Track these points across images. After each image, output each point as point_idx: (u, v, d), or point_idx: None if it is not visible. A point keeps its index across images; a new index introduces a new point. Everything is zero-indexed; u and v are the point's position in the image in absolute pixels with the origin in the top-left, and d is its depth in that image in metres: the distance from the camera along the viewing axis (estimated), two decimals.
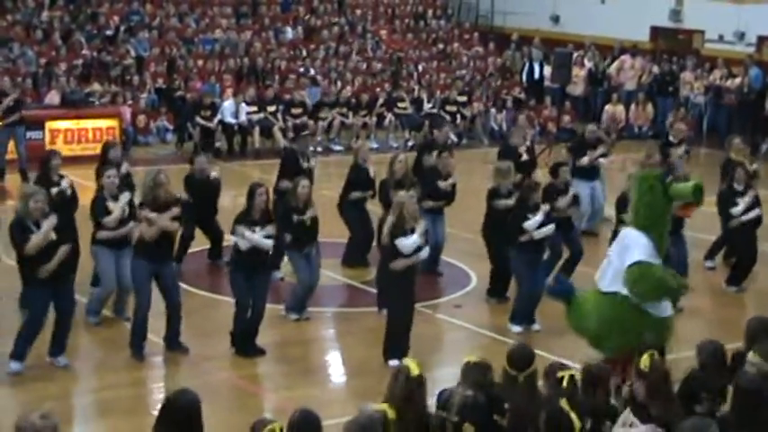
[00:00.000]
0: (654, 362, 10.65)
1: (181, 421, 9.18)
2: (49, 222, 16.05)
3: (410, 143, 29.56)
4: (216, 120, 32.28)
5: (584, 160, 24.10)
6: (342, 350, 18.90)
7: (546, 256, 20.01)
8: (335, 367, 18.12)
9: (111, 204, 18.00)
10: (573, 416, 10.02)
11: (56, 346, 16.66)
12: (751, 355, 11.37)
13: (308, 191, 18.95)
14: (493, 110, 37.17)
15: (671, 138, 25.91)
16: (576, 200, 21.23)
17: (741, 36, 38.19)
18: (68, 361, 16.70)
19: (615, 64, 39.26)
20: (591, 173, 24.38)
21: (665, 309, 14.64)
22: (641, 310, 14.37)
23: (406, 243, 16.86)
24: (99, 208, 18.03)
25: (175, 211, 17.15)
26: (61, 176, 19.11)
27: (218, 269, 21.37)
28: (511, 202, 19.57)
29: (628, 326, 14.21)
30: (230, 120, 33.01)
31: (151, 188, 17.30)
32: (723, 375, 11.39)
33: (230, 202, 22.92)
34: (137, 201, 18.12)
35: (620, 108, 36.72)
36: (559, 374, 10.63)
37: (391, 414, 10.04)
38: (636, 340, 12.94)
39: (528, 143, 24.90)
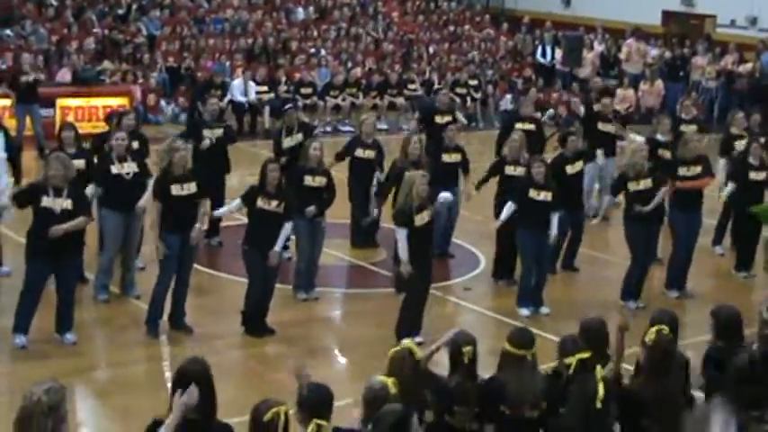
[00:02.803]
0: (659, 336, 10.78)
1: (191, 383, 9.26)
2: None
3: (414, 124, 29.42)
4: (226, 99, 32.35)
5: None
6: (350, 330, 18.82)
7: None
8: (344, 347, 18.07)
9: (114, 168, 18.21)
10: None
11: (62, 323, 16.67)
12: None
13: (320, 153, 19.17)
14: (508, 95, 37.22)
15: (682, 115, 25.77)
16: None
17: (753, 21, 38.23)
18: (76, 338, 16.69)
19: (624, 49, 39.21)
20: (604, 149, 24.25)
21: None
22: None
23: (402, 237, 17.07)
24: (103, 170, 18.31)
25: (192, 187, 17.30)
26: (80, 151, 18.91)
27: (212, 248, 21.52)
28: (520, 170, 19.78)
29: None
30: (240, 98, 33.16)
31: (167, 152, 17.49)
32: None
33: (239, 181, 22.75)
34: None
35: (631, 91, 36.69)
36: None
37: (393, 389, 10.14)
38: None
39: (538, 116, 25.19)
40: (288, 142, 21.41)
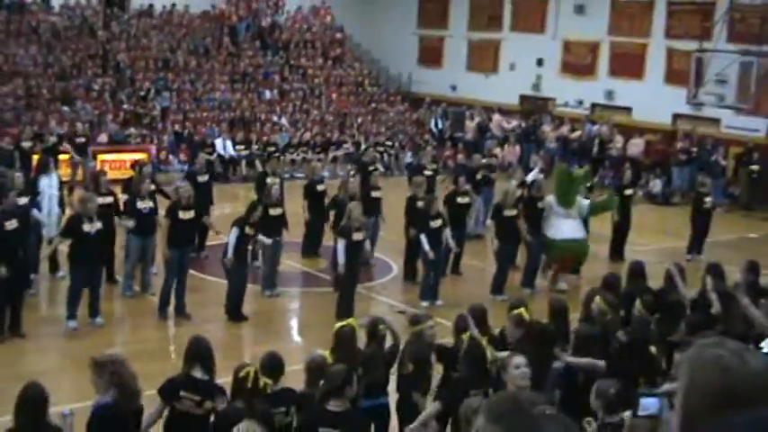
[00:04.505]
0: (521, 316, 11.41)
1: (200, 355, 9.85)
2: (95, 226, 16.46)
3: (351, 172, 29.35)
4: (215, 154, 32.30)
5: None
6: (302, 317, 19.06)
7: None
8: (296, 329, 18.21)
9: (139, 204, 18.55)
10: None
11: (92, 310, 16.96)
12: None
13: (278, 191, 20.04)
14: (408, 152, 37.30)
15: (531, 165, 26.25)
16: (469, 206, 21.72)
17: (580, 102, 38.35)
18: (104, 321, 17.08)
19: (495, 118, 39.37)
20: (479, 189, 24.40)
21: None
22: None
23: (341, 247, 17.51)
24: (131, 207, 18.69)
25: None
26: (109, 191, 19.27)
27: (202, 259, 21.37)
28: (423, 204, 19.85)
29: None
30: (222, 153, 33.16)
31: (176, 190, 18.49)
32: None
33: (220, 212, 22.97)
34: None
35: (498, 149, 36.77)
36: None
37: (330, 359, 10.29)
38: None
39: (433, 165, 26.25)
40: (270, 180, 21.49)
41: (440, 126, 40.71)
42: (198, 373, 9.70)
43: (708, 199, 24.35)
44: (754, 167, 32.68)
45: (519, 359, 9.41)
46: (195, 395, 9.59)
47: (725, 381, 2.75)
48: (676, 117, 35.41)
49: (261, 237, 18.25)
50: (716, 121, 34.02)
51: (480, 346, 10.75)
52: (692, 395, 2.84)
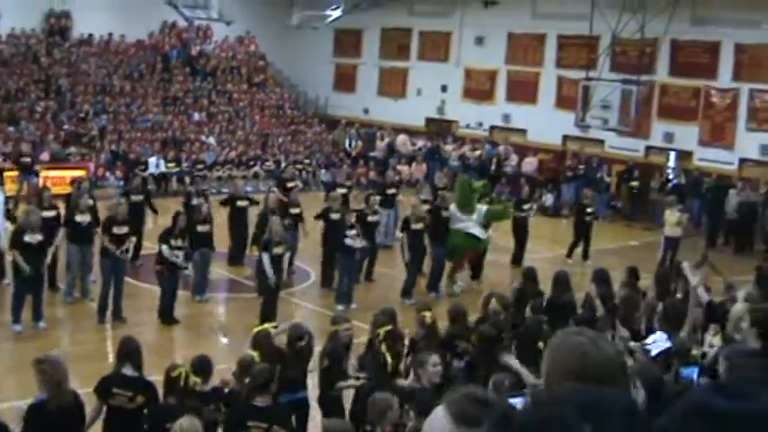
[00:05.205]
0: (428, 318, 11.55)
1: (130, 353, 9.76)
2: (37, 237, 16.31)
3: (273, 188, 29.29)
4: (148, 172, 32.10)
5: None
6: (229, 320, 18.88)
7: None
8: (224, 331, 18.07)
9: (78, 217, 18.34)
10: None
11: (35, 315, 16.75)
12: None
13: (207, 210, 20.04)
14: (323, 170, 37.29)
15: (437, 183, 26.31)
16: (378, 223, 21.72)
17: (480, 124, 38.61)
18: (46, 325, 16.88)
19: (399, 139, 39.51)
20: (390, 203, 24.55)
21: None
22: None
23: (266, 260, 17.37)
24: (69, 218, 18.45)
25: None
26: (52, 205, 19.08)
27: (136, 267, 21.04)
28: (338, 216, 20.04)
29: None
30: (154, 170, 32.95)
31: (113, 206, 18.68)
32: None
33: (153, 223, 22.75)
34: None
35: (406, 167, 36.93)
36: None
37: (257, 357, 10.30)
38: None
39: (347, 182, 26.12)
40: (195, 201, 21.47)
41: (353, 145, 40.74)
42: (128, 371, 9.71)
43: (589, 210, 24.98)
44: (635, 183, 33.30)
45: (435, 358, 9.58)
46: (127, 391, 9.60)
47: (583, 363, 2.91)
48: (566, 138, 35.84)
49: (166, 252, 17.87)
50: (601, 142, 34.51)
51: (381, 351, 10.90)
52: (553, 375, 2.99)
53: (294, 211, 21.79)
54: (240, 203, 22.40)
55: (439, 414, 2.77)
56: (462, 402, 2.78)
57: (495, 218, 22.11)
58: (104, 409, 9.66)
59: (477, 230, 20.99)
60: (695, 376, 7.51)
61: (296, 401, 10.86)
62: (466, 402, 2.78)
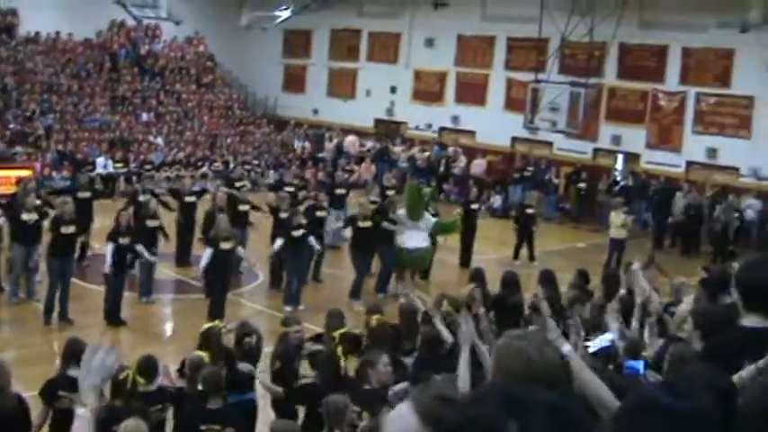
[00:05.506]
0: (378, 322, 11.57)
1: (75, 355, 9.47)
2: None
3: (221, 188, 29.24)
4: (96, 172, 31.91)
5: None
6: (175, 321, 18.82)
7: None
8: (170, 331, 18.03)
9: (24, 216, 18.14)
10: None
11: None
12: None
13: (155, 207, 20.06)
14: (271, 171, 37.22)
15: (385, 183, 26.46)
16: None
17: (429, 126, 38.74)
18: None
19: (348, 139, 39.55)
20: (340, 204, 24.55)
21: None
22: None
23: (208, 252, 17.43)
24: (16, 217, 18.29)
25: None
26: None
27: (83, 268, 20.98)
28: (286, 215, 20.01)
29: None
30: (102, 171, 32.74)
31: (60, 205, 18.15)
32: None
33: (100, 223, 22.39)
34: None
35: (356, 167, 36.94)
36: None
37: (206, 358, 10.26)
38: None
39: (296, 181, 26.36)
40: (142, 197, 21.45)
41: (302, 146, 40.72)
42: (74, 373, 9.60)
43: (529, 210, 25.27)
44: (582, 185, 33.54)
45: (385, 358, 9.62)
46: (73, 393, 9.50)
47: (527, 368, 3.03)
48: (515, 140, 36.04)
49: (140, 249, 18.02)
50: (549, 144, 34.75)
51: (335, 354, 10.89)
52: (497, 375, 3.13)
53: (243, 208, 21.85)
54: (188, 199, 22.35)
55: (405, 413, 2.73)
56: (431, 402, 2.75)
57: (443, 231, 22.23)
58: (50, 413, 9.58)
59: (423, 241, 21.07)
60: (641, 369, 7.62)
61: (244, 403, 10.83)
62: (434, 402, 2.75)
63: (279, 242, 19.19)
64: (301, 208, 21.00)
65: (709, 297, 11.02)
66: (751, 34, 28.85)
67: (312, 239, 19.57)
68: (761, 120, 29.77)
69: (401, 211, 21.04)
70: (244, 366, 10.92)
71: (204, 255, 17.56)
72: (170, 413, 9.94)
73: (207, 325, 11.53)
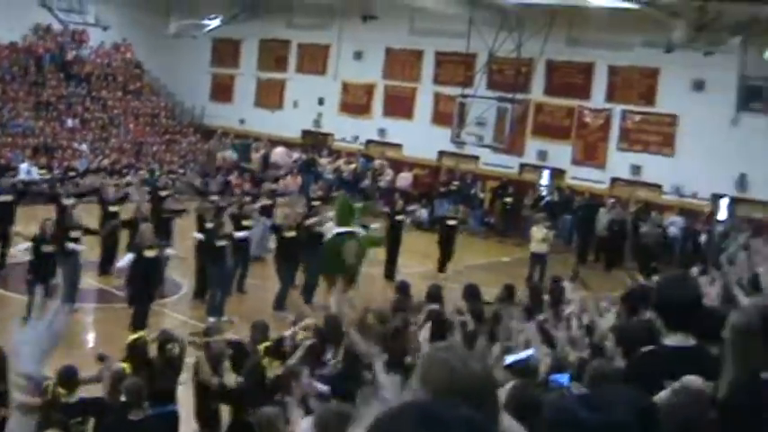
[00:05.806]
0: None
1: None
2: None
3: (147, 197, 29.09)
4: (18, 178, 31.50)
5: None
6: (98, 330, 18.59)
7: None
8: (92, 340, 17.83)
9: None
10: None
11: None
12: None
13: (78, 215, 19.56)
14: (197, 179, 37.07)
15: (311, 194, 26.66)
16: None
17: (356, 138, 38.80)
18: None
19: (277, 150, 39.45)
20: (266, 215, 24.49)
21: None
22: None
23: (129, 257, 17.47)
24: None
25: None
26: None
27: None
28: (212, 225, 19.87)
29: None
30: (25, 177, 32.32)
31: None
32: None
33: (23, 229, 22.19)
34: None
35: (282, 179, 36.85)
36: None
37: (128, 369, 10.19)
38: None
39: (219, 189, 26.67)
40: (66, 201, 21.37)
41: (223, 156, 40.55)
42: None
43: (450, 222, 25.48)
44: (508, 199, 33.82)
45: (306, 371, 9.71)
46: None
47: (451, 380, 3.06)
48: (441, 154, 36.24)
49: (73, 246, 17.90)
50: (476, 158, 34.98)
51: (260, 364, 10.91)
52: (421, 386, 3.14)
53: (167, 216, 21.85)
54: (111, 208, 22.14)
55: (304, 426, 2.84)
56: (327, 415, 2.85)
57: (370, 245, 22.28)
58: None
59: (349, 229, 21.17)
60: (566, 381, 7.68)
61: (165, 415, 10.76)
62: (330, 415, 2.86)
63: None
64: (225, 217, 20.86)
65: (630, 312, 11.18)
66: (675, 54, 29.30)
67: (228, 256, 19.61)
68: (684, 138, 30.29)
69: (330, 224, 21.05)
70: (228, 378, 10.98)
71: (125, 258, 17.51)
72: (91, 425, 9.83)
73: (133, 336, 11.45)
